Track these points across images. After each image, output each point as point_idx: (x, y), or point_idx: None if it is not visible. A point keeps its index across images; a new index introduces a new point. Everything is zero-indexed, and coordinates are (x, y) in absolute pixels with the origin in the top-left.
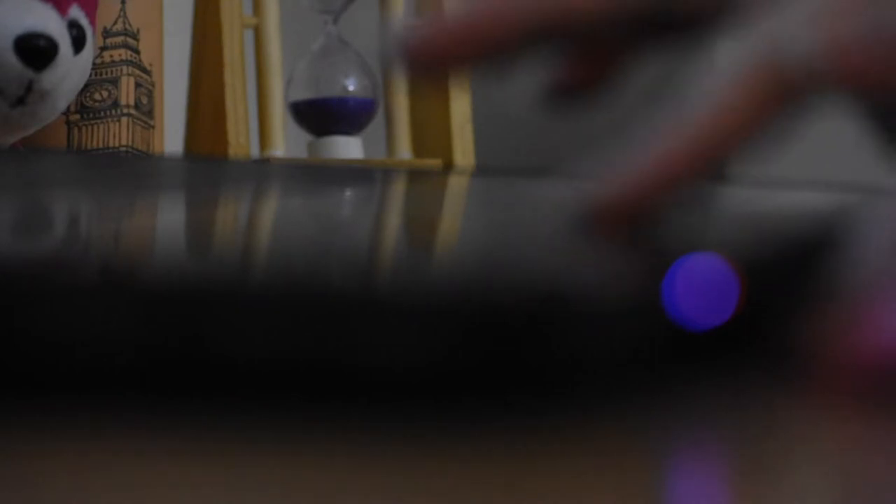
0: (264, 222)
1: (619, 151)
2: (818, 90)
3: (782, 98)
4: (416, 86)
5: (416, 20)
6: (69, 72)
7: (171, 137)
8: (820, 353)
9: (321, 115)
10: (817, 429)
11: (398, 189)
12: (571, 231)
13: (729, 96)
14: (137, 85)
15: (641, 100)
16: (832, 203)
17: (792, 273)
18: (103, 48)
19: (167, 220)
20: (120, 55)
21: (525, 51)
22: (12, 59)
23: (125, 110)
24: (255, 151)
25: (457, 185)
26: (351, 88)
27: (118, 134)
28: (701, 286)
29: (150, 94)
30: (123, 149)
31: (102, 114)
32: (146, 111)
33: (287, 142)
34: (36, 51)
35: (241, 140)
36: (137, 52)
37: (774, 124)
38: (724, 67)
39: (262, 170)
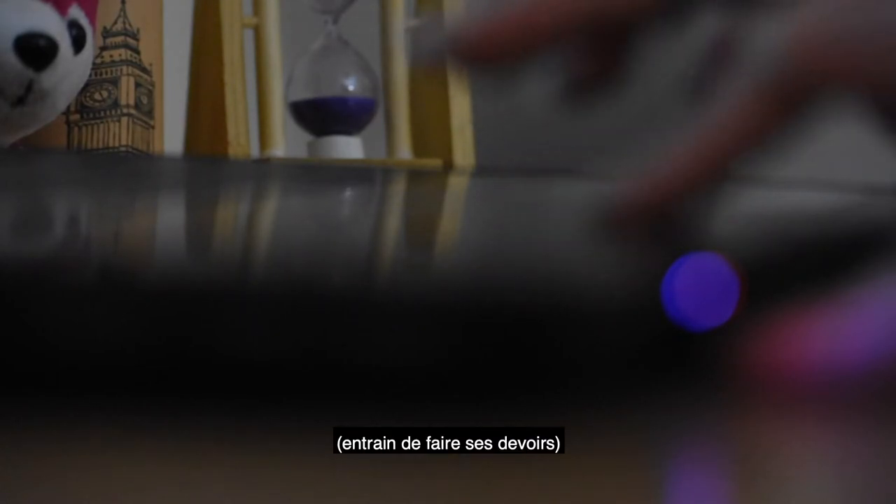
0: (263, 222)
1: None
2: (815, 93)
3: (789, 107)
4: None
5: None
6: (69, 72)
7: (171, 137)
8: (748, 362)
9: (321, 115)
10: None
11: (398, 189)
12: (573, 231)
13: (744, 106)
14: (137, 85)
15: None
16: (833, 203)
17: (791, 275)
18: (103, 48)
19: (167, 220)
20: (120, 55)
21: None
22: (12, 59)
23: (125, 110)
24: (255, 151)
25: (457, 186)
26: (351, 88)
27: (118, 134)
28: (701, 286)
29: (150, 94)
30: (123, 149)
31: (102, 114)
32: (146, 111)
33: (287, 142)
34: (36, 51)
35: (241, 140)
36: (137, 52)
37: (786, 130)
38: (741, 81)
39: (261, 170)
